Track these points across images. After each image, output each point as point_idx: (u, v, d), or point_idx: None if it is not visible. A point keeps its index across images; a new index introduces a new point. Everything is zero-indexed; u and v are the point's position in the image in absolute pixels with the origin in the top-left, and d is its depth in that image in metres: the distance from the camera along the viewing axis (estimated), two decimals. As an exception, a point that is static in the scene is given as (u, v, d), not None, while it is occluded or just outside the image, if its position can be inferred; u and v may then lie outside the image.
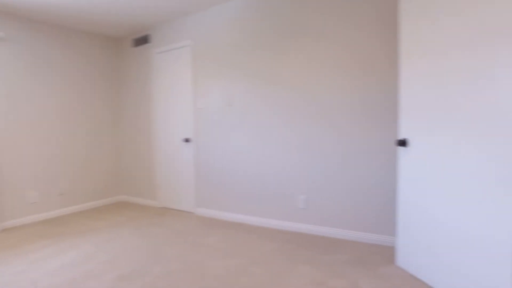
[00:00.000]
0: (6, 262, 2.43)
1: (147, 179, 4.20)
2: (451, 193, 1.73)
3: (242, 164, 3.32)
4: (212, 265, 2.29)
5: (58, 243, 2.81)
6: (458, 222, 1.69)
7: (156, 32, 3.93)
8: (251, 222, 3.29)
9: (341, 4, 2.68)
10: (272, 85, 3.07)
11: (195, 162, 3.66)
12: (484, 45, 1.50)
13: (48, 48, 3.66)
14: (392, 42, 2.49)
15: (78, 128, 3.99)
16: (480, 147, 1.54)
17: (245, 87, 3.24)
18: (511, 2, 1.38)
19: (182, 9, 3.44)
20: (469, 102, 1.59)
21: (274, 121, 3.09)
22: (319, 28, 2.79)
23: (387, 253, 2.41)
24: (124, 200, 4.51)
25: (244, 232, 3.03)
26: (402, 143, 2.06)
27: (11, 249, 2.69)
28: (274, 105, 3.07)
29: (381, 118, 2.57)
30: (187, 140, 3.69)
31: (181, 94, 3.73)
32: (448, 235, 1.76)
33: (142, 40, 4.09)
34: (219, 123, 3.46)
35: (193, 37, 3.59)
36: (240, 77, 3.27)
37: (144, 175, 4.23)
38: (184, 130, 3.73)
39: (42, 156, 3.63)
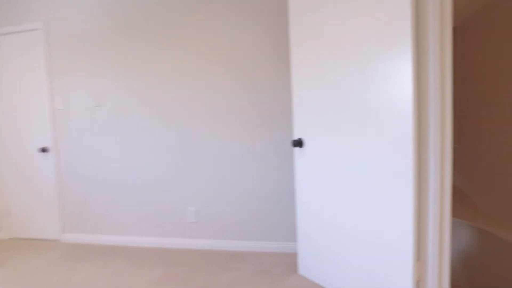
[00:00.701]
0: None
1: (-11, 203, 3.16)
2: (337, 193, 1.63)
3: (118, 175, 2.74)
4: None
5: None
6: (346, 223, 1.59)
7: (-6, 8, 2.97)
8: (134, 243, 2.74)
9: (228, -8, 2.42)
10: (151, 82, 2.61)
11: (58, 176, 2.88)
12: (356, 41, 1.42)
13: None
14: (285, 37, 2.35)
15: None
16: (359, 144, 1.45)
17: (117, 83, 2.68)
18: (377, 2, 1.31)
19: (28, -20, 2.64)
20: (345, 99, 1.50)
21: (154, 123, 2.63)
22: (203, 19, 2.47)
23: (292, 262, 2.26)
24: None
25: (124, 258, 2.48)
26: (298, 143, 1.90)
27: None
28: (154, 105, 2.61)
29: (278, 118, 2.41)
30: (44, 150, 2.87)
31: (34, 91, 2.89)
32: (338, 237, 1.66)
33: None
34: (86, 127, 2.78)
35: (46, 19, 2.81)
36: (110, 71, 2.68)
37: (-16, 198, 3.17)
38: (41, 138, 2.90)
39: None
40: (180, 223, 2.64)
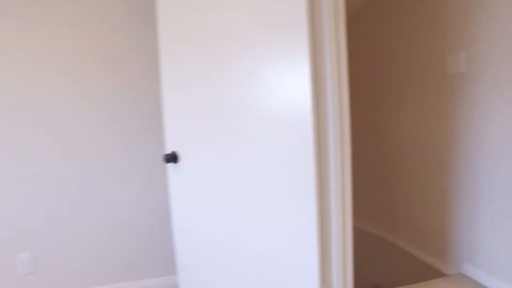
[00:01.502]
0: None
1: None
2: (225, 215, 1.37)
3: None
4: None
5: None
6: (238, 248, 1.35)
7: None
8: None
9: (72, -33, 1.87)
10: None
11: None
12: (242, 38, 1.22)
13: None
14: (153, 36, 1.97)
15: None
16: (250, 156, 1.25)
17: None
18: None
19: None
20: (228, 104, 1.27)
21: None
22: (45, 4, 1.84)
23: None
24: None
25: None
26: (171, 158, 1.55)
27: None
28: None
29: (144, 130, 1.98)
30: None
31: None
32: (228, 265, 1.40)
33: None
34: None
35: None
36: None
37: None
38: None
39: None
40: (9, 277, 1.87)
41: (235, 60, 1.23)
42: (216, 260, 1.47)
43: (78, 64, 1.88)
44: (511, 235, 1.46)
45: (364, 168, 2.51)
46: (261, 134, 1.18)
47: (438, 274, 1.79)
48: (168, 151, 1.61)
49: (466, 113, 1.61)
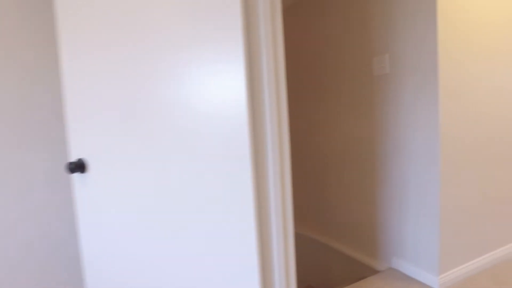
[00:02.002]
0: None
1: None
2: (147, 233, 1.15)
3: None
4: None
5: None
6: (161, 275, 1.14)
7: None
8: None
9: None
10: None
11: None
12: (163, 29, 1.03)
13: None
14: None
15: None
16: (176, 161, 1.06)
17: None
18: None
19: None
20: (147, 103, 1.07)
21: None
22: None
23: None
24: None
25: None
26: (77, 167, 1.25)
27: None
28: None
29: (39, 131, 1.60)
30: None
31: None
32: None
33: None
34: None
35: None
36: None
37: None
38: None
39: None
40: None
41: (153, 50, 1.02)
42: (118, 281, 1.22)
43: None
44: (430, 227, 1.54)
45: (296, 169, 2.49)
46: (187, 139, 0.99)
47: (371, 271, 1.83)
48: (73, 158, 1.30)
49: (393, 113, 1.67)
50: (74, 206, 1.70)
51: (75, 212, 1.70)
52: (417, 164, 1.57)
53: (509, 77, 1.74)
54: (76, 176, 1.32)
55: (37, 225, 1.61)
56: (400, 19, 1.57)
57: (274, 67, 0.95)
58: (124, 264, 1.23)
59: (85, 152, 1.27)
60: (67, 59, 1.27)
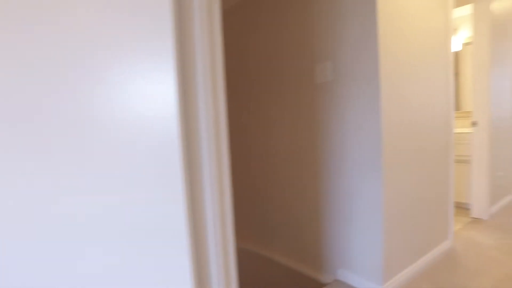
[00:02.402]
0: None
1: None
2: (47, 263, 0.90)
3: None
4: None
5: None
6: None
7: None
8: None
9: None
10: None
11: None
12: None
13: None
14: None
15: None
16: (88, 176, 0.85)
17: None
18: None
19: None
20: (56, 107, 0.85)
21: None
22: None
23: None
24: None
25: None
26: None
27: None
28: None
29: None
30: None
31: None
32: None
33: None
34: None
35: None
36: None
37: None
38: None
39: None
40: None
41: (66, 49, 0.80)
42: None
43: None
44: (374, 235, 1.53)
45: (237, 182, 2.36)
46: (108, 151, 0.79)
47: (317, 284, 1.77)
48: None
49: (336, 121, 1.64)
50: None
51: None
52: (361, 171, 1.56)
53: (430, 90, 1.85)
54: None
55: None
56: (342, 25, 1.56)
57: (211, 69, 0.81)
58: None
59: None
60: None
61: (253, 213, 2.24)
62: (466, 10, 2.96)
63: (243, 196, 2.32)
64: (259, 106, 2.08)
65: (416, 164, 1.72)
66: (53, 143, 0.82)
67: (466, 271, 1.79)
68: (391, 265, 1.58)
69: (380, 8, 1.42)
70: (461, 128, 3.02)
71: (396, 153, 1.57)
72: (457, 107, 3.22)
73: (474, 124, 2.54)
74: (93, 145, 0.79)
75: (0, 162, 0.88)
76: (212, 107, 0.81)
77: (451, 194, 2.09)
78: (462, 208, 2.87)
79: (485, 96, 2.49)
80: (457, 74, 3.19)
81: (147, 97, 0.73)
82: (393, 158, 1.55)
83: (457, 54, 3.16)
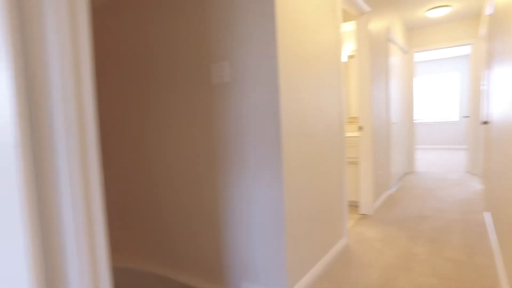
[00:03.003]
0: None
1: None
2: None
3: None
4: None
5: None
6: None
7: None
8: None
9: None
10: None
11: None
12: None
13: None
14: None
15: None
16: None
17: None
18: None
19: None
20: None
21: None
22: None
23: None
24: None
25: None
26: None
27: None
28: None
29: None
30: None
31: None
32: None
33: None
34: None
35: None
36: None
37: None
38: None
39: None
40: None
41: None
42: None
43: None
44: (277, 243, 1.49)
45: (123, 196, 2.06)
46: None
47: (220, 302, 1.63)
48: None
49: (235, 125, 1.55)
50: None
51: None
52: (261, 177, 1.49)
53: (324, 96, 1.95)
54: None
55: None
56: (240, 23, 1.48)
57: (74, 68, 0.62)
58: None
59: None
60: None
61: (144, 228, 1.98)
62: (350, 26, 3.32)
63: (131, 209, 2.03)
64: (152, 109, 1.85)
65: (314, 167, 1.76)
66: None
67: (359, 265, 1.91)
68: (295, 271, 1.55)
69: (279, 11, 1.39)
70: (349, 132, 3.33)
71: (295, 156, 1.56)
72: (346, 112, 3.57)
73: (361, 128, 2.82)
74: None
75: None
76: (76, 109, 0.62)
77: (346, 194, 2.24)
78: (352, 206, 3.14)
79: (368, 105, 2.78)
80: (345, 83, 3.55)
81: None
82: (293, 162, 1.54)
83: (344, 65, 3.51)
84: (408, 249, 2.10)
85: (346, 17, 3.24)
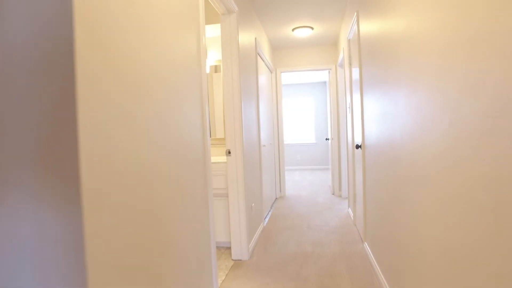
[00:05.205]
0: None
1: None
2: None
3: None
4: None
5: None
6: None
7: None
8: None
9: None
10: None
11: None
12: None
13: None
14: None
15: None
16: None
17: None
18: None
19: None
20: None
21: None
22: None
23: None
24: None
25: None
26: None
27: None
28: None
29: None
30: None
31: None
32: None
33: None
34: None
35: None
36: None
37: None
38: None
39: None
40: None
41: None
42: None
43: None
44: None
45: None
46: None
47: None
48: None
49: None
50: None
51: None
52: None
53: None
54: None
55: None
56: None
57: None
58: None
59: None
60: None
61: None
62: (215, 30, 2.79)
63: None
64: None
65: (172, 204, 1.04)
66: None
67: None
68: None
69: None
70: (215, 156, 2.75)
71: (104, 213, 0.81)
72: (210, 133, 2.96)
73: (229, 153, 2.26)
74: None
75: None
76: None
77: (213, 238, 1.58)
78: (223, 248, 2.52)
79: (238, 125, 2.26)
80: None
81: None
82: (100, 212, 0.78)
83: (206, 77, 2.95)
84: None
85: (208, 19, 2.72)
